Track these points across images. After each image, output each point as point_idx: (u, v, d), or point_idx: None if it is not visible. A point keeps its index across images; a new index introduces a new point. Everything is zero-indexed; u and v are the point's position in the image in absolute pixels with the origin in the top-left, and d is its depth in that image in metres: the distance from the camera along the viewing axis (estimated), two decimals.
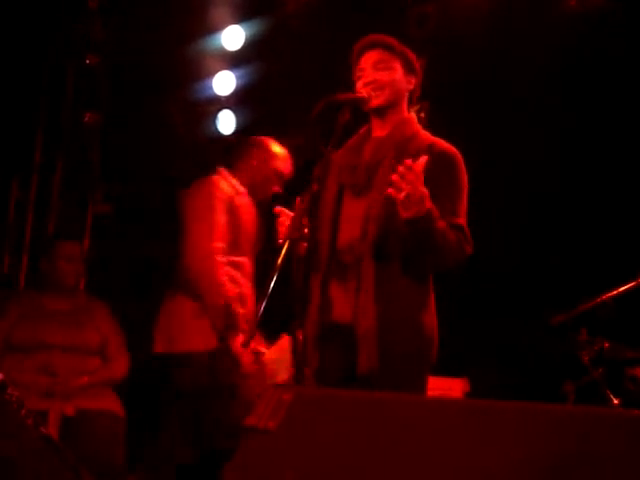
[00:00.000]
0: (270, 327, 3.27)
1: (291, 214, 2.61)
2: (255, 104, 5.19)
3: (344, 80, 2.90)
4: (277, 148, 3.96)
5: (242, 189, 3.85)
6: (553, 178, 4.86)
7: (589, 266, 4.60)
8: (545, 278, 4.82)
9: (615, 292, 3.67)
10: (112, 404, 3.88)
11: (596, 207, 4.78)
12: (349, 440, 1.83)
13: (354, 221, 2.71)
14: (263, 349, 3.60)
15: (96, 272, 4.61)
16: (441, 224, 2.56)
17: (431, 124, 2.90)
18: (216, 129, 5.24)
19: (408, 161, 2.42)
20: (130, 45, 4.89)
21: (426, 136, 2.81)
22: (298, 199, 2.57)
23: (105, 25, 4.92)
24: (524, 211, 4.95)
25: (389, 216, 2.61)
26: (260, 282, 3.55)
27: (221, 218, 3.64)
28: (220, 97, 5.20)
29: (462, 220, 2.69)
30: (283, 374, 3.35)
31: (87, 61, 4.95)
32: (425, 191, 2.45)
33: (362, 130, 2.91)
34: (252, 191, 3.87)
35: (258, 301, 2.40)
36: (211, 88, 5.17)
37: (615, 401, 3.53)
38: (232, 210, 3.71)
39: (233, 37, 5.09)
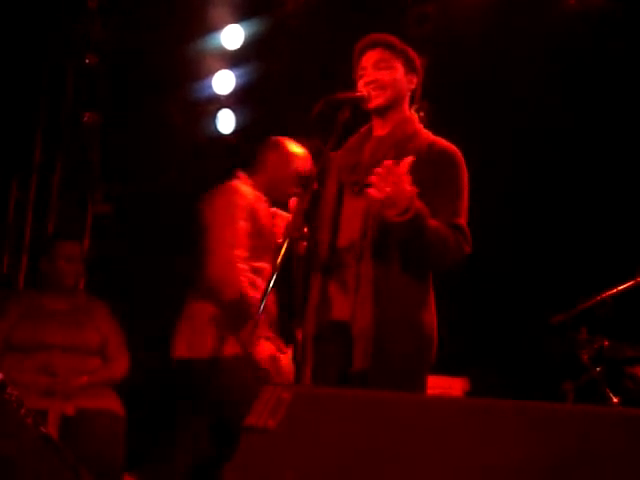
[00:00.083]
0: (288, 331, 3.27)
1: (286, 215, 2.61)
2: (255, 103, 5.20)
3: (344, 79, 2.90)
4: (296, 148, 3.92)
5: (261, 193, 3.82)
6: (553, 178, 4.87)
7: (588, 265, 4.60)
8: (545, 278, 4.82)
9: (614, 291, 3.67)
10: (112, 404, 3.88)
11: (595, 206, 4.78)
12: (349, 439, 1.83)
13: (354, 220, 2.70)
14: (282, 353, 3.60)
15: (96, 272, 4.61)
16: (433, 223, 2.54)
17: (431, 124, 2.90)
18: (216, 128, 5.24)
19: (388, 162, 2.41)
20: (130, 45, 4.90)
21: (427, 135, 2.80)
22: (296, 199, 2.57)
23: (105, 25, 4.93)
24: (524, 211, 4.96)
25: None
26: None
27: (242, 225, 3.63)
28: (220, 96, 5.21)
29: (462, 220, 2.68)
30: None
31: (87, 61, 4.95)
32: (413, 190, 2.42)
33: (363, 129, 2.91)
34: (271, 193, 3.83)
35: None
36: (211, 87, 5.18)
37: (615, 400, 3.54)
38: (253, 216, 3.69)
39: (233, 36, 5.09)
